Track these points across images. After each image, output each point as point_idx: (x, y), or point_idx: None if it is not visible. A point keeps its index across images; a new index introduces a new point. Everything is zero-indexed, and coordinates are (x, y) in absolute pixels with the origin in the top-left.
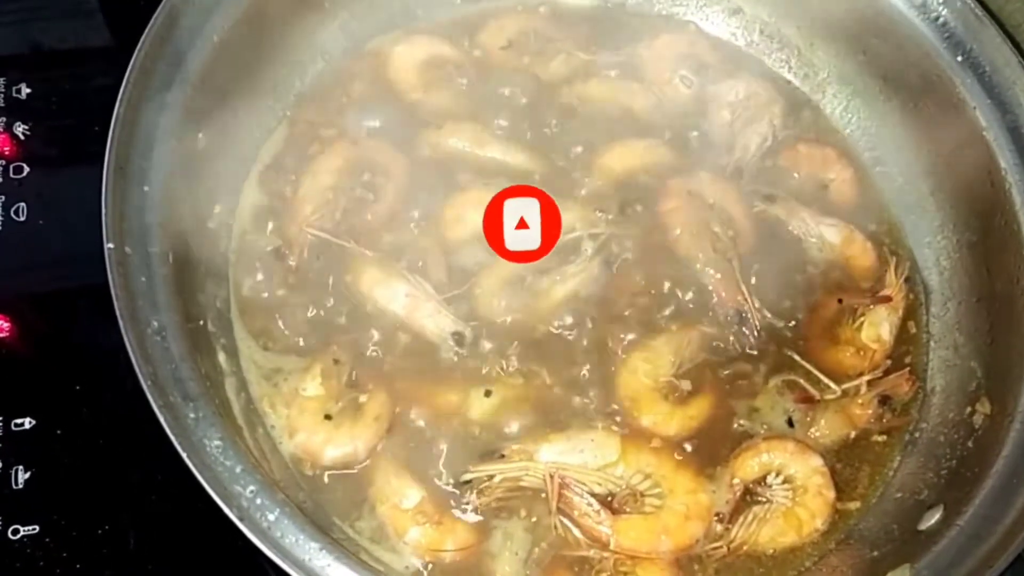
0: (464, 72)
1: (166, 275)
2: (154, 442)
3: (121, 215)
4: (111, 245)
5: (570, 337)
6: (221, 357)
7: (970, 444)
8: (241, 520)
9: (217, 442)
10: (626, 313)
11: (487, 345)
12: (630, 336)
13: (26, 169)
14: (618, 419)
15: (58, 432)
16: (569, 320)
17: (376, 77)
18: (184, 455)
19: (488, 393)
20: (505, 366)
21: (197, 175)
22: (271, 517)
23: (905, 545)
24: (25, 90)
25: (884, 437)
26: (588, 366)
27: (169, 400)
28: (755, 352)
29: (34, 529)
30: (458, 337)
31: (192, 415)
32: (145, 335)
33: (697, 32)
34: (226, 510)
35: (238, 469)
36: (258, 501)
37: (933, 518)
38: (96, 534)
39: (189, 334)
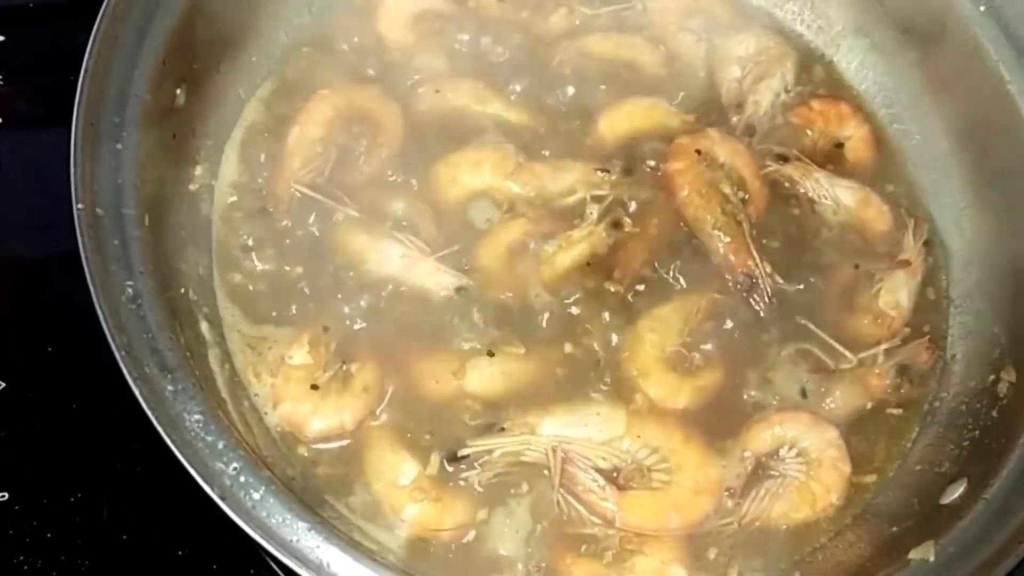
0: (459, 27)
1: (141, 238)
2: (130, 409)
3: (92, 174)
4: (81, 206)
5: (575, 306)
6: (204, 327)
7: (994, 414)
8: (223, 499)
9: (197, 416)
10: (633, 281)
11: (488, 314)
12: (637, 304)
13: None
14: (624, 391)
15: (29, 395)
16: (574, 287)
17: (366, 31)
18: (161, 430)
19: (491, 356)
20: (507, 335)
21: (176, 133)
22: (256, 496)
23: (927, 520)
24: None
25: (901, 410)
26: (593, 336)
27: (145, 372)
28: (767, 320)
29: (3, 496)
30: (463, 291)
31: (171, 387)
32: (119, 302)
33: None
34: (207, 489)
35: (220, 445)
36: (242, 479)
37: (956, 492)
38: (68, 502)
39: (168, 302)
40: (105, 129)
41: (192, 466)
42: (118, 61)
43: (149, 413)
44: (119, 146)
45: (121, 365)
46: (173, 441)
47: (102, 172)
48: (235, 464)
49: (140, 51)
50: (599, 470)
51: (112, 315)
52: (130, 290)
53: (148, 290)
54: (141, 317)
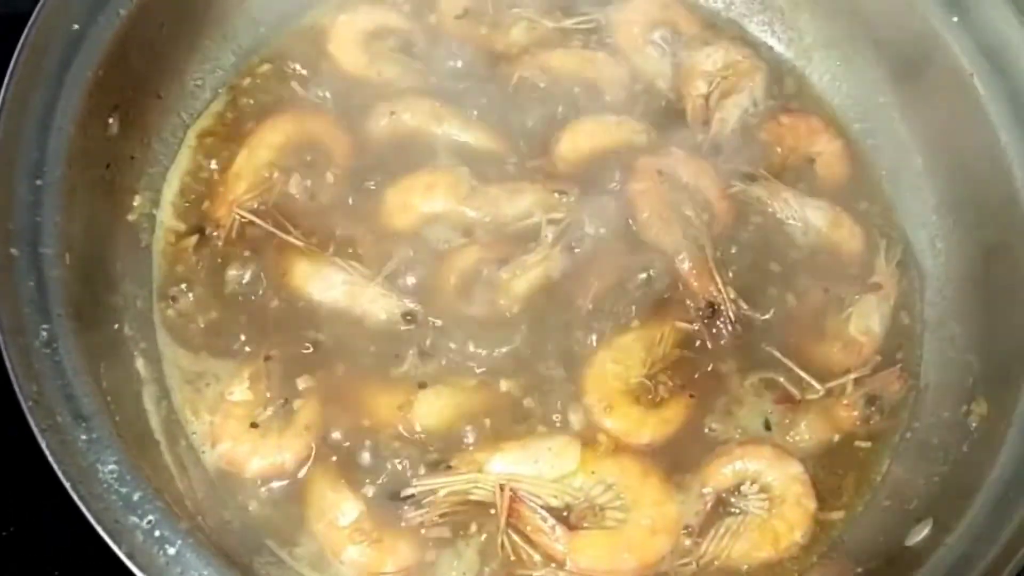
0: (415, 44)
1: (60, 278)
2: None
3: (7, 213)
4: None
5: (530, 334)
6: (140, 363)
7: (964, 448)
8: (131, 557)
9: (112, 467)
10: (591, 307)
11: (437, 343)
12: (596, 333)
13: None
14: (582, 425)
15: None
16: (530, 315)
17: (319, 49)
18: (68, 485)
19: (439, 388)
20: (457, 366)
21: (110, 163)
22: (171, 551)
23: (891, 562)
24: None
25: (870, 443)
26: (549, 366)
27: (56, 421)
28: (730, 348)
29: None
30: (410, 316)
31: (84, 437)
32: (31, 348)
33: None
34: (114, 547)
35: (136, 496)
36: (157, 533)
37: (921, 533)
38: None
39: (91, 343)
40: (23, 165)
41: (100, 522)
42: (38, 92)
43: (56, 467)
44: (39, 182)
45: (28, 416)
46: (81, 496)
47: (18, 210)
48: (151, 517)
49: (64, 81)
50: (550, 508)
51: (21, 363)
52: (44, 334)
53: (66, 332)
54: (56, 362)
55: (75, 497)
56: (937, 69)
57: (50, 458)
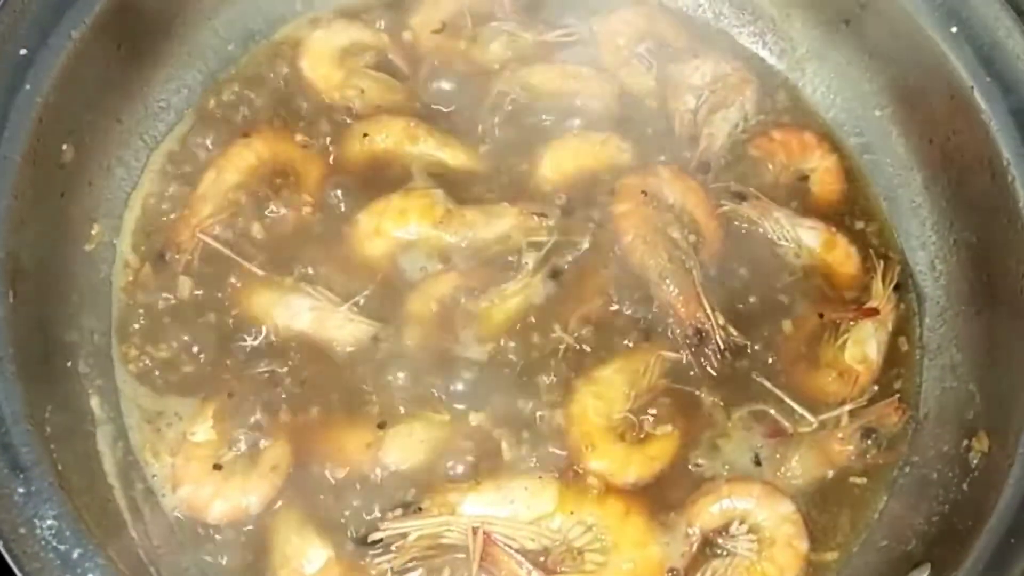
0: (390, 60)
1: (2, 317)
2: None
3: None
4: None
5: (508, 367)
6: (95, 402)
7: (965, 487)
8: None
9: (51, 521)
10: (572, 337)
11: (409, 376)
12: (578, 364)
13: None
14: (560, 463)
15: None
16: (508, 346)
17: (290, 66)
18: (0, 544)
19: (407, 431)
20: (429, 400)
21: (64, 191)
22: None
23: None
24: None
25: (866, 479)
26: (528, 400)
27: None
28: (718, 378)
29: None
30: (379, 341)
31: (21, 490)
32: None
33: (658, 5)
34: None
35: (76, 554)
36: None
37: None
38: None
39: (37, 386)
40: None
41: None
42: None
43: None
44: None
45: None
46: (14, 555)
47: None
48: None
49: (9, 109)
50: (526, 552)
51: None
52: None
53: (7, 376)
54: None
55: (7, 556)
56: (935, 81)
57: None
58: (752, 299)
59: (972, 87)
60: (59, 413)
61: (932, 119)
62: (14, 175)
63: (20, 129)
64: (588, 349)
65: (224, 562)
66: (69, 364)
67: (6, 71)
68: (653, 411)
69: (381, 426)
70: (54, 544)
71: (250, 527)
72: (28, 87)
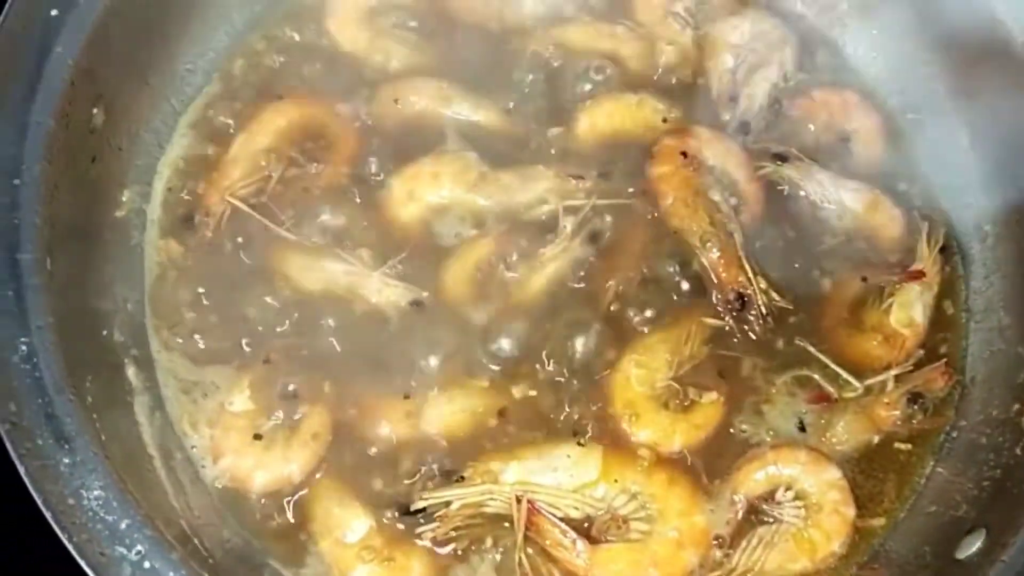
0: (420, 20)
1: (42, 285)
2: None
3: None
4: None
5: (547, 333)
6: (131, 372)
7: (1018, 451)
8: None
9: (98, 492)
10: (612, 305)
11: (448, 343)
12: (619, 331)
13: None
14: (604, 432)
15: None
16: (547, 312)
17: (317, 27)
18: (49, 515)
19: (447, 399)
20: (469, 367)
21: (95, 156)
22: None
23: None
24: None
25: (912, 444)
26: (569, 368)
27: (36, 444)
28: (761, 343)
29: None
30: (417, 305)
31: (67, 460)
32: (8, 364)
33: None
34: None
35: (124, 524)
36: (147, 564)
37: (974, 545)
38: None
39: (77, 355)
40: None
41: (83, 555)
42: (15, 84)
43: (36, 496)
44: (16, 181)
45: (5, 441)
46: (63, 527)
47: None
48: (139, 547)
49: (42, 71)
50: (570, 521)
51: None
52: (24, 348)
53: (47, 346)
54: (36, 379)
55: (56, 528)
56: (984, 37)
57: (29, 485)
58: (794, 263)
59: (1022, 42)
60: (98, 383)
61: (979, 77)
62: (47, 139)
63: (52, 92)
64: (628, 317)
65: (267, 532)
66: (105, 333)
67: (38, 32)
68: (696, 378)
69: (418, 395)
70: (102, 515)
71: (291, 497)
72: (60, 49)
